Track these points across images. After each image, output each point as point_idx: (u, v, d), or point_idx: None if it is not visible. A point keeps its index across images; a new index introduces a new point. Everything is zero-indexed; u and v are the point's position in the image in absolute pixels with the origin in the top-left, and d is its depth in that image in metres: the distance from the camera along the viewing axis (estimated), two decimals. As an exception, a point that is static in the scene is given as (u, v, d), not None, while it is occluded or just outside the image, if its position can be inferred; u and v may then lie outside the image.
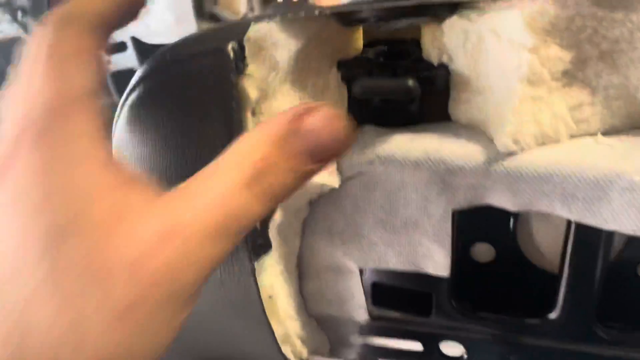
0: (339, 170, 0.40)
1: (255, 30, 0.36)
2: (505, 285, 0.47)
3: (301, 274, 0.47)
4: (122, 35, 1.20)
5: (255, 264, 0.41)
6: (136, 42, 1.20)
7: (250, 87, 0.37)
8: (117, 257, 0.25)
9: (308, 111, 0.28)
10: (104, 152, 0.27)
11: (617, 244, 0.43)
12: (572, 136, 0.37)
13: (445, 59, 0.39)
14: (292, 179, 0.28)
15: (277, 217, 0.41)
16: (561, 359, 0.43)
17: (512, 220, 0.44)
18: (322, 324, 0.51)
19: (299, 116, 0.27)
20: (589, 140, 0.36)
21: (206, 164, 0.28)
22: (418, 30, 0.40)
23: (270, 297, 0.43)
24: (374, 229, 0.42)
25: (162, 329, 0.27)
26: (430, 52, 0.39)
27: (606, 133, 0.37)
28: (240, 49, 0.36)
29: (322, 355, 0.52)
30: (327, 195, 0.42)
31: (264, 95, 0.38)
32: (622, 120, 0.37)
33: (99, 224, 0.25)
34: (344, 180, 0.41)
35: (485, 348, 0.47)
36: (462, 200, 0.38)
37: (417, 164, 0.38)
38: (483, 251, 0.47)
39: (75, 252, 0.25)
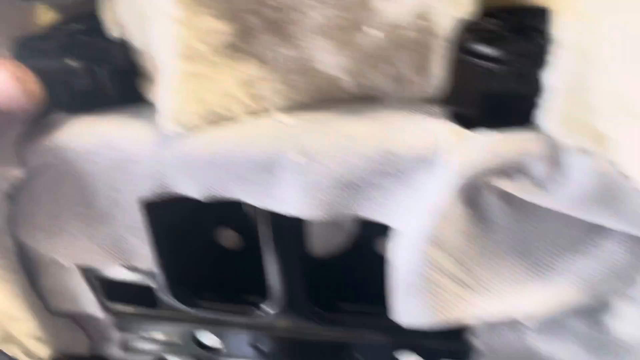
0: (21, 159, 0.35)
1: None
2: (255, 271, 0.43)
3: (29, 271, 0.42)
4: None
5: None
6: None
7: None
8: None
9: None
10: None
11: (352, 226, 0.41)
12: (254, 114, 0.33)
13: (126, 34, 0.34)
14: None
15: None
16: (289, 340, 0.40)
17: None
18: (77, 319, 0.46)
19: None
20: (268, 120, 0.33)
21: None
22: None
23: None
24: (73, 222, 0.37)
25: None
26: (111, 25, 0.34)
27: (290, 109, 0.33)
28: None
29: (81, 351, 0.48)
30: (24, 188, 0.37)
31: None
32: (309, 94, 0.33)
33: None
34: (33, 170, 0.36)
35: (235, 339, 0.44)
36: (146, 191, 0.34)
37: (96, 153, 0.33)
38: (229, 238, 0.43)
39: None
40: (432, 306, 0.31)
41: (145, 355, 0.47)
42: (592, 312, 0.31)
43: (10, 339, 0.41)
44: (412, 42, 0.32)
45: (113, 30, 0.34)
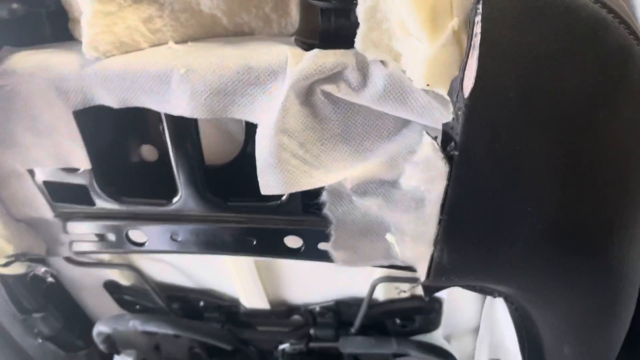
0: (-20, 84, 0.46)
1: None
2: (166, 178, 0.54)
3: (-6, 182, 0.53)
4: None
5: None
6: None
7: None
8: None
9: None
10: None
11: (241, 138, 0.53)
12: (154, 44, 0.44)
13: (56, -15, 0.45)
14: None
15: None
16: (194, 226, 0.52)
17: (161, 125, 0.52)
18: (34, 226, 0.57)
19: None
20: (164, 47, 0.44)
21: None
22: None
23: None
24: (24, 134, 0.48)
25: None
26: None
27: (182, 41, 0.45)
28: None
29: (40, 253, 0.59)
30: (-17, 109, 0.48)
31: None
32: (196, 30, 0.45)
33: None
34: (-11, 94, 0.46)
35: (157, 231, 0.55)
36: (76, 102, 0.45)
37: (32, 74, 0.44)
38: (149, 152, 0.55)
39: None
40: (283, 178, 0.43)
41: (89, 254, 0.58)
42: (390, 176, 0.43)
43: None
44: (272, -11, 0.43)
45: (47, -18, 0.45)
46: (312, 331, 0.78)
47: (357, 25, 0.40)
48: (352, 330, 0.75)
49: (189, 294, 0.78)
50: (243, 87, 0.42)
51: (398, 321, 0.77)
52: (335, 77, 0.41)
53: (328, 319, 0.76)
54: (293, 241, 0.54)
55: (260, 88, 0.42)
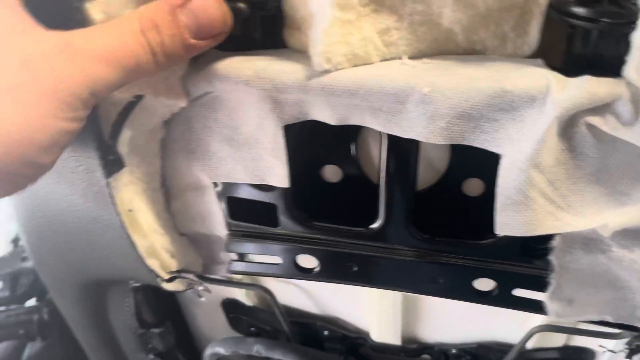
0: (185, 90, 0.42)
1: None
2: (351, 201, 0.50)
3: (167, 193, 0.49)
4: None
5: (112, 179, 0.43)
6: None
7: (95, 12, 0.38)
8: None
9: None
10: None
11: (441, 166, 0.47)
12: (384, 59, 0.39)
13: (280, -13, 0.40)
14: (174, 45, 0.34)
15: (128, 136, 0.43)
16: (387, 259, 0.47)
17: (353, 144, 0.47)
18: (193, 242, 0.53)
19: None
20: (396, 61, 0.39)
21: None
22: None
23: (130, 210, 0.45)
24: (221, 146, 0.44)
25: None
26: (268, -18, 0.41)
27: (414, 57, 0.40)
28: None
29: (196, 271, 0.54)
30: (179, 116, 0.44)
31: (110, 19, 0.39)
32: (429, 45, 0.40)
33: None
34: (192, 101, 0.42)
35: (332, 258, 0.50)
36: (290, 116, 0.41)
37: (247, 83, 0.40)
38: (332, 173, 0.50)
39: None
40: (527, 219, 0.37)
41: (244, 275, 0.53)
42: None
43: (153, 252, 0.48)
44: (518, 6, 0.38)
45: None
46: (443, 373, 0.72)
47: (620, 50, 0.35)
48: (491, 377, 0.68)
49: (315, 321, 0.72)
50: (491, 113, 0.37)
51: (539, 371, 0.70)
52: (604, 108, 0.35)
53: (464, 362, 0.70)
54: (483, 284, 0.48)
55: (511, 115, 0.37)
